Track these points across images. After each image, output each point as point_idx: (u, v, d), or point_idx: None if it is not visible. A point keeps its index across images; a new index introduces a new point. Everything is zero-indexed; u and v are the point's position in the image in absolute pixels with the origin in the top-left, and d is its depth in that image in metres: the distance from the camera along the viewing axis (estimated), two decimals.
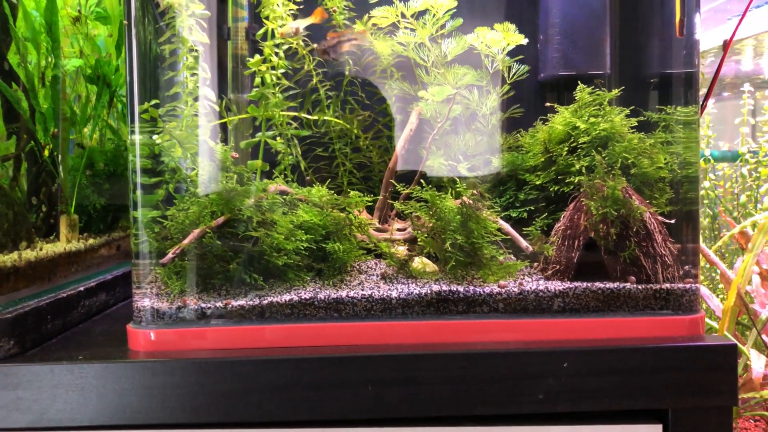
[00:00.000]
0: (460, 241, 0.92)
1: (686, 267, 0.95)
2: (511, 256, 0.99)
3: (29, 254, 0.95)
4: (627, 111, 1.01)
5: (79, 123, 1.18)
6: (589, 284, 0.90)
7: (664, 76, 1.01)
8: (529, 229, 1.01)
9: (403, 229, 1.05)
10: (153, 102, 0.92)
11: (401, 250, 1.01)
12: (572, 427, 0.82)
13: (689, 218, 0.97)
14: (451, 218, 0.94)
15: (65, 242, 1.09)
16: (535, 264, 1.00)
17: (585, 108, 1.03)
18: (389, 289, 0.89)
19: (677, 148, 0.99)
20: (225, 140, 1.08)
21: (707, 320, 1.20)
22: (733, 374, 0.83)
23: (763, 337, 1.25)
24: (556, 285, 0.90)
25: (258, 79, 1.09)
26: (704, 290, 1.32)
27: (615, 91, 1.02)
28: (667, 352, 0.83)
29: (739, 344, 1.13)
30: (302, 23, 1.06)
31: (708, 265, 1.54)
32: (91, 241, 1.18)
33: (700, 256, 1.27)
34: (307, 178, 1.18)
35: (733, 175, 1.90)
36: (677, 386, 0.82)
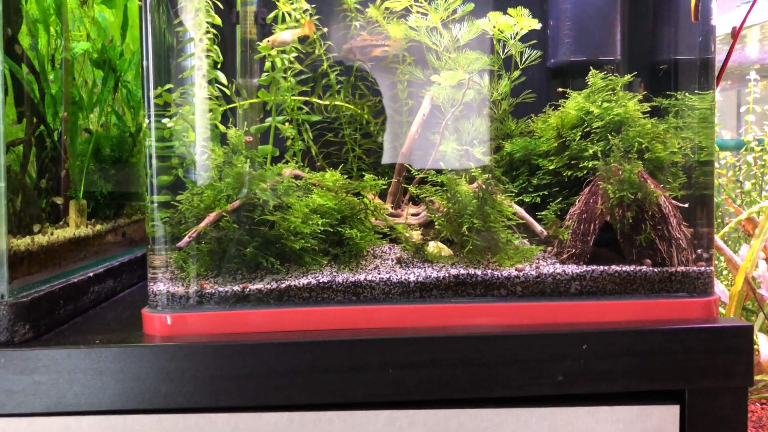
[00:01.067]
0: (477, 225, 0.92)
1: (699, 250, 0.95)
2: (525, 241, 0.99)
3: (41, 239, 0.94)
4: (639, 96, 1.01)
5: (86, 108, 1.17)
6: (606, 267, 0.90)
7: (679, 61, 1.01)
8: (543, 213, 1.01)
9: (417, 214, 1.05)
10: (167, 87, 0.91)
11: (416, 235, 1.00)
12: (590, 408, 0.83)
13: (703, 202, 0.97)
14: (468, 202, 0.94)
15: (74, 228, 1.08)
16: (549, 249, 1.00)
17: (598, 93, 1.03)
18: (407, 273, 0.89)
19: (689, 133, 0.99)
20: (235, 125, 1.07)
21: None
22: (748, 355, 0.84)
23: None
24: (573, 268, 0.90)
25: (268, 64, 1.08)
26: None
27: (628, 77, 1.02)
28: (683, 333, 0.84)
29: None
30: (292, 34, 1.06)
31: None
32: (98, 227, 1.17)
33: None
34: (318, 163, 1.18)
35: (737, 164, 1.91)
36: (693, 367, 0.83)
